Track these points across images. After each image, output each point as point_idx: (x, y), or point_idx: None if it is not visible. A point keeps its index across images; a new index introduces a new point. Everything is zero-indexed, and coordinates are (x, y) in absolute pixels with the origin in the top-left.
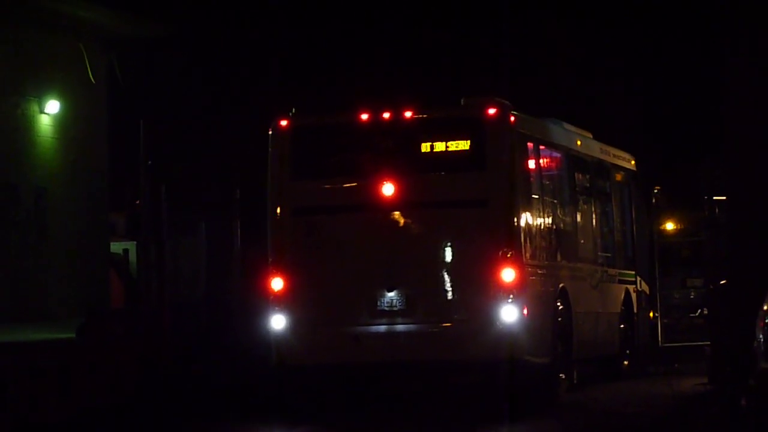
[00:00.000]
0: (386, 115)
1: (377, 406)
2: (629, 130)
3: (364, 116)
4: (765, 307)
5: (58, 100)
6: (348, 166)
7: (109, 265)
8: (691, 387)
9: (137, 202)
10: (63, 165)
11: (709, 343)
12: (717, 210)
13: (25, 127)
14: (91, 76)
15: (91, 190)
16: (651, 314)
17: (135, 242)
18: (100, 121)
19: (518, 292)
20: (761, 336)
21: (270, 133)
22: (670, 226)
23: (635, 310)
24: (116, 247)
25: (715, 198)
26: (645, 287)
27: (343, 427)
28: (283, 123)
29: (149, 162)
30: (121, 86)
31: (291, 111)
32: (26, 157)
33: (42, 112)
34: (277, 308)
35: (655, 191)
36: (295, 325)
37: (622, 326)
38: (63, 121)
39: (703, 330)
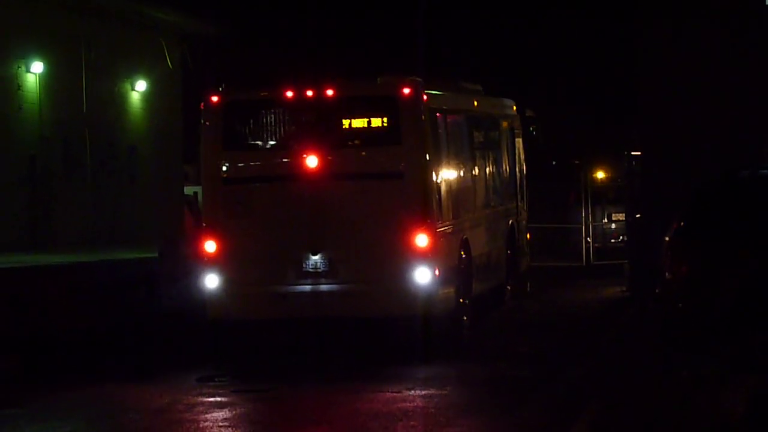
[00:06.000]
0: (309, 92)
1: (304, 356)
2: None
3: (289, 93)
4: (667, 237)
5: (145, 81)
6: (274, 140)
7: (182, 204)
8: (613, 294)
9: None
10: (148, 129)
11: (627, 261)
12: (634, 162)
13: (120, 101)
14: (169, 62)
15: (169, 147)
16: (528, 236)
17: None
18: (176, 95)
19: (431, 255)
20: (665, 254)
21: (202, 107)
22: (600, 174)
23: (517, 236)
24: (188, 190)
25: (632, 153)
26: (524, 214)
27: (270, 375)
28: (214, 98)
29: None
30: (191, 70)
31: (221, 86)
32: (122, 122)
33: (133, 90)
34: (210, 268)
35: (531, 129)
36: (227, 284)
37: (508, 252)
38: (148, 97)
39: (623, 251)
